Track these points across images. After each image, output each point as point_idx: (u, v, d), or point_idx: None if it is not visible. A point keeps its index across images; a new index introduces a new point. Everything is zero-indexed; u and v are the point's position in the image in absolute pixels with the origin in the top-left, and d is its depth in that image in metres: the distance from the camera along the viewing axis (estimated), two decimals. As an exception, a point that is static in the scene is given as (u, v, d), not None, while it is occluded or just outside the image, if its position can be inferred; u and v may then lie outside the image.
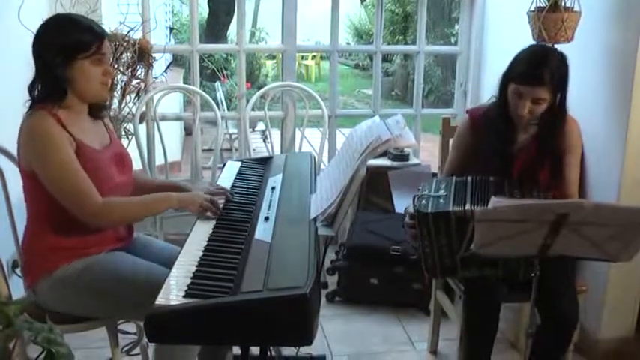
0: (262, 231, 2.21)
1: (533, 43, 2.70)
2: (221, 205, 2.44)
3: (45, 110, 2.27)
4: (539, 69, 2.53)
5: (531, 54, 2.63)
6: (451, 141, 3.09)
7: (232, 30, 12.85)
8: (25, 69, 3.31)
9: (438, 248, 2.48)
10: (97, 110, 2.48)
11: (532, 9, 3.08)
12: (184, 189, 2.59)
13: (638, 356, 3.26)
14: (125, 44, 3.67)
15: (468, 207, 2.42)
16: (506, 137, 2.73)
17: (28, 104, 2.36)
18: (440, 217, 2.44)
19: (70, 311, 2.36)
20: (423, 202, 2.51)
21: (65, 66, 2.27)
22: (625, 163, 2.99)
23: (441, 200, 2.50)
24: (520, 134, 2.75)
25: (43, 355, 1.24)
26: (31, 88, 2.35)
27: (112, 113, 3.64)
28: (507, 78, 2.64)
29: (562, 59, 2.61)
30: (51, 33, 2.31)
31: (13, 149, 2.60)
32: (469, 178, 2.62)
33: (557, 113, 2.66)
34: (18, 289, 2.61)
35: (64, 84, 2.30)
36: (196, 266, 2.02)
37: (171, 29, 10.73)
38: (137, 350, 2.87)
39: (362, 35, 17.50)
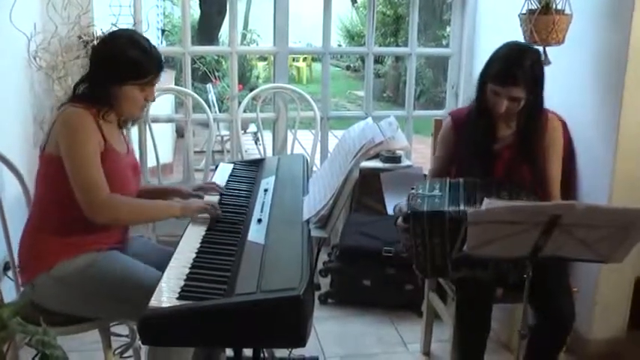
0: (255, 233, 2.21)
1: (510, 41, 2.73)
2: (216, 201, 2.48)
3: (87, 110, 2.35)
4: (513, 70, 2.58)
5: (505, 55, 2.67)
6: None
7: (224, 31, 12.83)
8: (18, 71, 3.32)
9: (431, 248, 2.50)
10: (125, 121, 2.57)
11: (523, 11, 3.09)
12: (178, 191, 2.66)
13: (629, 356, 3.27)
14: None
15: (462, 207, 2.44)
16: (486, 134, 2.75)
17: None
18: (435, 216, 2.46)
19: (67, 309, 2.36)
20: (418, 200, 2.53)
21: (116, 85, 2.37)
22: (616, 164, 3.01)
23: (436, 200, 2.52)
24: (501, 131, 2.77)
25: (37, 358, 1.24)
26: (78, 84, 2.44)
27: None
28: (484, 78, 2.69)
29: (536, 57, 2.65)
30: (117, 49, 2.38)
31: (7, 152, 2.61)
32: (461, 180, 2.64)
33: (533, 110, 2.68)
34: (9, 292, 2.61)
35: (110, 99, 2.39)
36: (190, 268, 2.02)
37: (163, 31, 10.72)
38: (130, 353, 2.87)
39: (353, 37, 17.48)
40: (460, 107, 3.03)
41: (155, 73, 2.42)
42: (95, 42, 3.43)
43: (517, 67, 2.57)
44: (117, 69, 2.36)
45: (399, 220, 2.61)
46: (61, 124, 2.33)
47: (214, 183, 2.71)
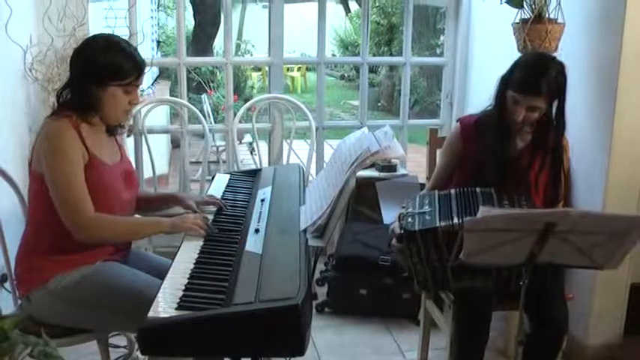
0: (253, 243, 2.22)
1: (533, 51, 2.73)
2: (211, 218, 2.46)
3: (68, 119, 2.32)
4: (537, 80, 2.56)
5: (530, 64, 2.64)
6: (438, 151, 3.11)
7: (218, 42, 12.85)
8: (14, 83, 3.33)
9: (429, 264, 2.49)
10: (113, 128, 2.54)
11: (517, 20, 3.12)
12: (180, 199, 2.67)
13: (625, 362, 3.29)
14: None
15: (455, 220, 2.44)
16: (503, 141, 2.75)
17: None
18: (427, 233, 2.45)
19: (64, 322, 2.36)
20: (409, 219, 2.52)
21: (98, 87, 2.34)
22: (610, 170, 3.03)
23: (427, 217, 2.51)
24: (516, 140, 2.78)
25: (38, 369, 1.25)
26: (60, 93, 2.42)
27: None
28: (505, 84, 2.67)
29: (560, 69, 2.63)
30: (95, 51, 2.36)
31: (3, 163, 2.61)
32: (452, 191, 2.63)
33: (555, 121, 2.69)
34: (6, 303, 2.61)
35: (93, 103, 2.36)
36: (188, 279, 2.03)
37: (158, 42, 10.73)
38: (127, 364, 2.87)
39: (347, 46, 17.55)
40: (468, 114, 3.02)
41: (136, 74, 2.38)
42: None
43: (541, 78, 2.56)
44: (97, 71, 2.32)
45: (394, 241, 2.62)
46: (41, 142, 2.32)
47: (218, 199, 2.67)
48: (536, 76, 2.57)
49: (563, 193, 2.85)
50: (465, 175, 2.82)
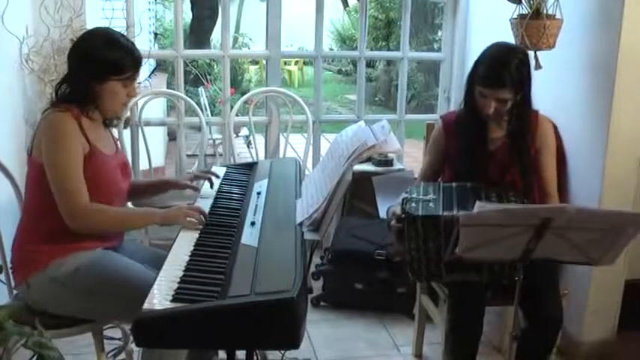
0: (249, 236, 2.22)
1: (496, 42, 2.76)
2: (208, 211, 2.46)
3: (69, 112, 2.35)
4: (499, 72, 2.60)
5: (492, 57, 2.69)
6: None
7: (215, 35, 12.82)
8: (10, 74, 3.31)
9: (425, 252, 2.50)
10: (110, 120, 2.57)
11: (515, 16, 3.11)
12: (173, 182, 2.76)
13: (619, 358, 3.29)
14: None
15: (456, 212, 2.45)
16: (477, 136, 2.78)
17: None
18: (430, 220, 2.46)
19: (62, 310, 2.36)
20: (413, 204, 2.53)
21: (97, 82, 2.37)
22: (606, 167, 3.03)
23: (431, 204, 2.53)
24: (493, 132, 2.80)
25: (33, 360, 1.25)
26: (59, 86, 2.44)
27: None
28: (472, 80, 2.72)
29: (522, 58, 2.67)
30: (94, 47, 2.38)
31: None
32: (453, 184, 2.66)
33: (522, 110, 2.71)
34: (1, 295, 2.60)
35: (92, 96, 2.39)
36: (183, 271, 2.02)
37: (155, 34, 10.71)
38: (122, 356, 2.87)
39: (345, 40, 17.52)
40: (451, 110, 3.05)
41: (134, 68, 2.42)
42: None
43: (503, 70, 2.60)
44: (96, 67, 2.35)
45: (393, 221, 2.62)
46: (42, 131, 2.34)
47: (210, 171, 2.73)
48: (498, 68, 2.61)
49: (555, 173, 2.86)
50: (450, 169, 2.84)
